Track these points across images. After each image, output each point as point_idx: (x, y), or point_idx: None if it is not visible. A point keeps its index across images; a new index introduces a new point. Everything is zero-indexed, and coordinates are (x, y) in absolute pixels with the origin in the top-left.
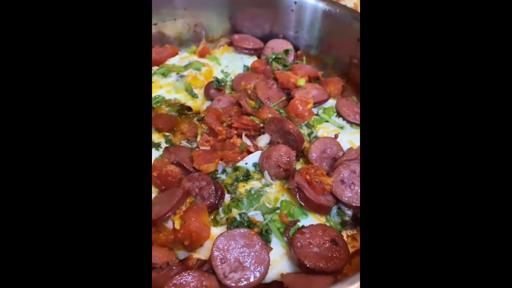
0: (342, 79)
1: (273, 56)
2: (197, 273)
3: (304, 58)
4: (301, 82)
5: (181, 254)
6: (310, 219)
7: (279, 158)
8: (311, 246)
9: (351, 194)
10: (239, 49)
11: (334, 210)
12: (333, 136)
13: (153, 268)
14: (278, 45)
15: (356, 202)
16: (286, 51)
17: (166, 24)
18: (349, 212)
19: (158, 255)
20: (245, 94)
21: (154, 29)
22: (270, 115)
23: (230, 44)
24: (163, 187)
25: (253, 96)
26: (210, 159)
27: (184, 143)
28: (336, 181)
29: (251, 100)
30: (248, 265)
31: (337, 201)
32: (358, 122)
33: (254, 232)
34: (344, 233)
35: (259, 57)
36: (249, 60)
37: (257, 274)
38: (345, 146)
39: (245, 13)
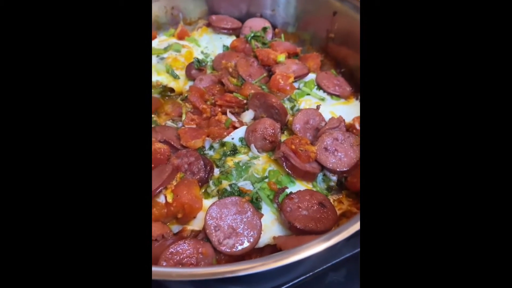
0: (320, 54)
1: (252, 34)
2: (192, 241)
3: (282, 35)
4: (281, 58)
5: (175, 228)
6: (297, 186)
7: (265, 131)
8: (300, 210)
9: (335, 160)
10: (217, 30)
11: (320, 176)
12: (315, 108)
13: None
14: (256, 24)
15: (340, 167)
16: (264, 29)
17: None
18: (334, 178)
19: (152, 229)
20: (226, 73)
21: None
22: (253, 91)
23: (209, 25)
24: (153, 165)
25: (234, 74)
26: (196, 135)
27: (169, 123)
28: (320, 149)
29: (233, 78)
30: (241, 231)
31: (322, 167)
32: (338, 94)
33: (245, 200)
34: (330, 198)
35: (237, 36)
36: (228, 40)
37: (251, 239)
38: (327, 116)
39: None
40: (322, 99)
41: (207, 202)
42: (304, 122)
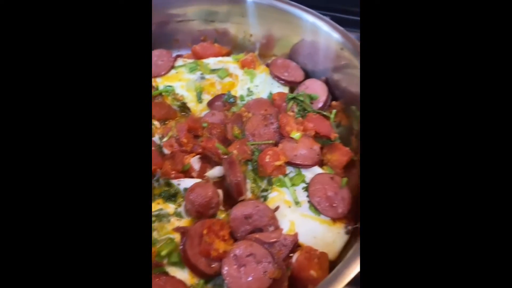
0: (354, 153)
1: (293, 95)
2: None
3: (334, 111)
4: (295, 134)
5: None
6: (182, 273)
7: (197, 197)
8: None
9: (236, 274)
10: (273, 75)
11: (219, 280)
12: (274, 207)
13: None
14: (313, 87)
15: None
16: (310, 97)
17: (226, 25)
18: None
19: None
20: (239, 120)
21: (211, 26)
22: (235, 152)
23: (269, 66)
24: None
25: (244, 125)
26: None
27: (155, 138)
28: (230, 254)
29: (239, 128)
30: None
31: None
32: (326, 210)
33: None
34: None
35: (292, 90)
36: (279, 89)
37: None
38: (285, 225)
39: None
40: (297, 203)
41: None
42: (246, 214)
